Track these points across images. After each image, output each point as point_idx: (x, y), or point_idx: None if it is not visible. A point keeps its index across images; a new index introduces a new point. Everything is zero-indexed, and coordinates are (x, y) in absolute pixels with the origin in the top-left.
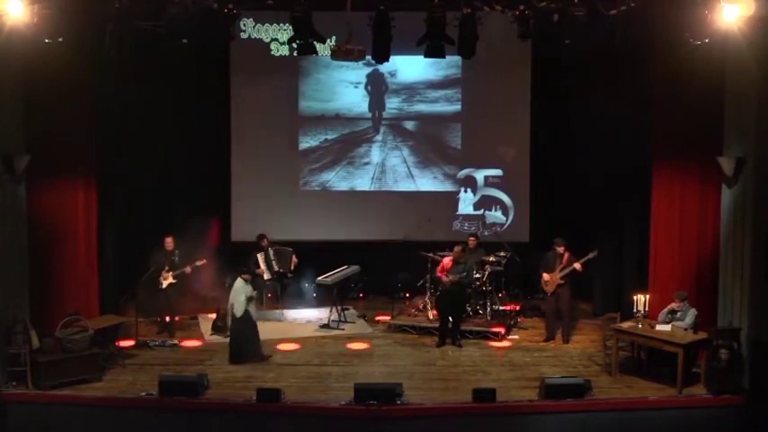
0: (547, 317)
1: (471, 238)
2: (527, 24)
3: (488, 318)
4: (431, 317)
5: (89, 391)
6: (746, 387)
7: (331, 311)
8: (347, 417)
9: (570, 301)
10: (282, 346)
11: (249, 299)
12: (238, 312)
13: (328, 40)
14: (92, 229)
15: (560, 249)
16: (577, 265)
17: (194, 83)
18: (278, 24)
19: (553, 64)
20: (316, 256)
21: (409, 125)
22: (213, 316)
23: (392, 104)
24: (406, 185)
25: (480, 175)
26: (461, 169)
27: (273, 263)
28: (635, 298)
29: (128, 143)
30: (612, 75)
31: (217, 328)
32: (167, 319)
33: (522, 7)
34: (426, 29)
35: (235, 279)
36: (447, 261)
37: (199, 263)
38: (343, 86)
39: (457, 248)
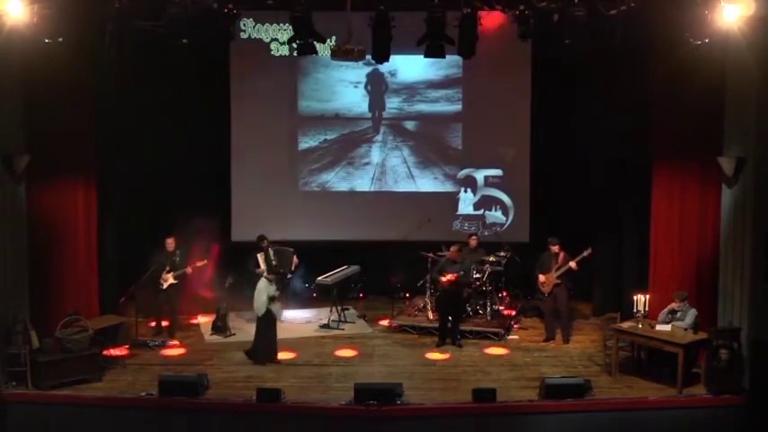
0: (545, 317)
1: (472, 238)
2: (527, 24)
3: (488, 318)
4: (431, 317)
5: (89, 391)
6: (746, 387)
7: (331, 311)
8: (347, 417)
9: (568, 301)
10: (282, 347)
11: (271, 298)
12: (259, 312)
13: (328, 40)
14: (92, 229)
15: (555, 249)
16: (573, 264)
17: (194, 83)
18: (278, 24)
19: (553, 64)
20: (316, 256)
21: (409, 125)
22: (212, 317)
23: (392, 104)
24: (406, 185)
25: (480, 175)
26: (461, 169)
27: (274, 263)
28: (635, 298)
29: (128, 143)
30: (612, 75)
31: (217, 328)
32: (168, 319)
33: (522, 7)
34: (426, 29)
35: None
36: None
37: (200, 263)
38: (342, 86)
39: (453, 248)
